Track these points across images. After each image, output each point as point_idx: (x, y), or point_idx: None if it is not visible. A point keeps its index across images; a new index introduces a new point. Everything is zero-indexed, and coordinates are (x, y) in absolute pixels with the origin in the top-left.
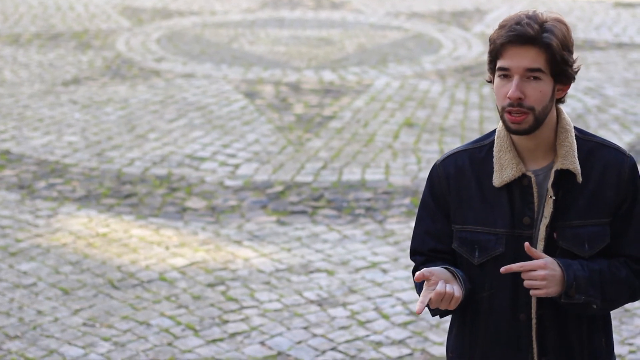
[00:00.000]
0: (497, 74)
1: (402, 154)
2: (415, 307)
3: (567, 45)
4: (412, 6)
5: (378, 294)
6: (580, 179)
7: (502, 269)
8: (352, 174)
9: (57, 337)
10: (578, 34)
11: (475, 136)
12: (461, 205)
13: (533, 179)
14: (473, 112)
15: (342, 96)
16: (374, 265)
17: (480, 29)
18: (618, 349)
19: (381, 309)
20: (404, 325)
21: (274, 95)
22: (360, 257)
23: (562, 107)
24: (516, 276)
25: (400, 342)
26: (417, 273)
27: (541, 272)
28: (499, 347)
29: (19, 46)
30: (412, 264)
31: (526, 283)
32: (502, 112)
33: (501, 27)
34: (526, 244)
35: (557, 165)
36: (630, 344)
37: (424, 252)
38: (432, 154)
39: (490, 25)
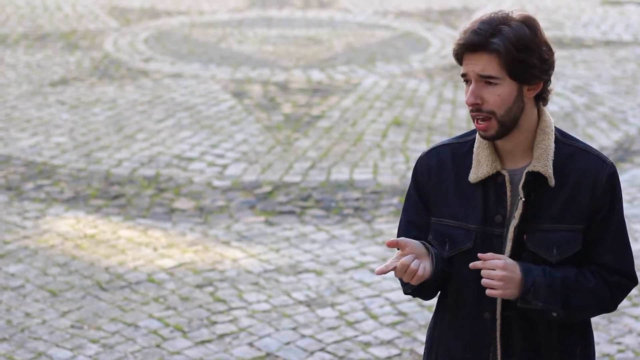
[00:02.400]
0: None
1: (391, 153)
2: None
3: (526, 46)
4: (400, 5)
5: (367, 294)
6: (552, 182)
7: (471, 265)
8: (341, 174)
9: (45, 339)
10: (565, 32)
11: None
12: (439, 198)
13: (507, 178)
14: (461, 111)
15: (330, 95)
16: (362, 265)
17: None
18: (607, 348)
19: (370, 309)
20: (393, 325)
21: (262, 94)
22: (349, 257)
23: (549, 105)
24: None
25: (389, 342)
26: (392, 239)
27: (499, 272)
28: (461, 343)
29: (6, 47)
30: None
31: (483, 282)
32: (471, 117)
33: (461, 32)
34: (480, 256)
35: (530, 167)
36: (619, 343)
37: None
38: (421, 153)
39: None
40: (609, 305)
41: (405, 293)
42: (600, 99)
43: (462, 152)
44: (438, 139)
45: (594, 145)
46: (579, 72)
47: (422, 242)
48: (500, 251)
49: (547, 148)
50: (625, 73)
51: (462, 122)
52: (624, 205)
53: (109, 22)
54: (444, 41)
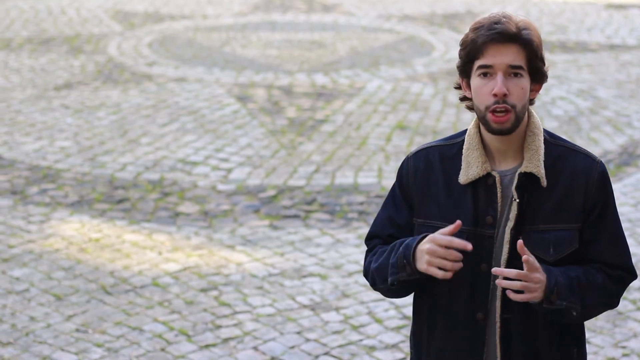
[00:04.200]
0: (477, 72)
1: (395, 157)
2: (465, 244)
3: (541, 43)
4: (404, 9)
5: (371, 298)
6: (544, 183)
7: (494, 270)
8: (345, 178)
9: (49, 343)
10: (570, 36)
11: None
12: (426, 200)
13: (498, 179)
14: (465, 115)
15: (334, 99)
16: None
17: None
18: (611, 352)
19: (374, 313)
20: (397, 329)
21: (266, 98)
22: (353, 261)
23: (554, 109)
24: (474, 274)
25: (394, 346)
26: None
27: (537, 275)
28: (454, 345)
29: (10, 51)
30: None
31: (518, 284)
32: (485, 111)
33: (478, 28)
34: (519, 242)
35: (522, 168)
36: (624, 347)
37: (382, 236)
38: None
39: None
40: (615, 300)
41: (391, 284)
42: (605, 103)
43: (451, 153)
44: None
45: (599, 149)
46: (583, 76)
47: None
48: (490, 252)
49: (537, 149)
50: (629, 77)
51: (466, 125)
52: (629, 209)
53: (113, 26)
54: (447, 45)
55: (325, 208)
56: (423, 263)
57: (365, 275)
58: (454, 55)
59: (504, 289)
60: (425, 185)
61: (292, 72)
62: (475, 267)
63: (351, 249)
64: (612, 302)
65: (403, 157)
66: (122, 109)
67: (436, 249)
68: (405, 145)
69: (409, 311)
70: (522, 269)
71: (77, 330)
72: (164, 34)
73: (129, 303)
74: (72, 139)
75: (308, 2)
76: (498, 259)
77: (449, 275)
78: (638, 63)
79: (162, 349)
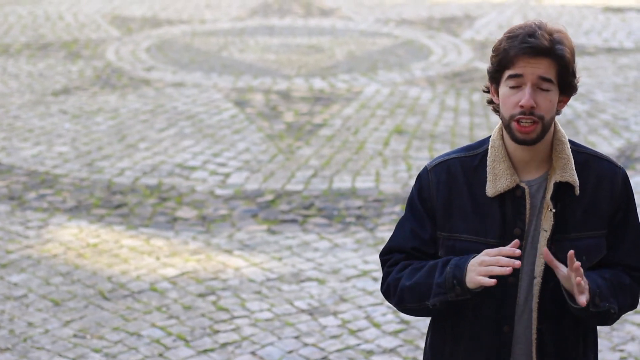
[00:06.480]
0: (506, 82)
1: (393, 161)
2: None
3: (574, 57)
4: (402, 13)
5: (369, 302)
6: (578, 191)
7: (546, 257)
8: (343, 182)
9: (47, 348)
10: None
11: (465, 143)
12: (450, 213)
13: (527, 190)
14: (463, 119)
15: (332, 104)
16: (365, 273)
17: (469, 35)
18: (609, 356)
19: (372, 318)
20: (395, 333)
21: (264, 103)
22: (351, 265)
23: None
24: (501, 286)
25: (392, 350)
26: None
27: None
28: (480, 357)
29: (8, 56)
30: None
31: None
32: (510, 120)
33: (512, 37)
34: (570, 252)
35: (557, 178)
36: (621, 350)
37: (406, 249)
38: (423, 160)
39: (479, 31)
40: (637, 301)
41: (433, 305)
42: (602, 106)
43: (473, 165)
44: (440, 147)
45: None
46: (580, 79)
47: None
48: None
49: (568, 157)
50: (627, 80)
51: (464, 129)
52: None
53: (110, 32)
54: (445, 49)
55: (323, 212)
56: (474, 276)
57: (387, 291)
58: (451, 59)
59: (539, 301)
60: (449, 198)
61: (290, 76)
62: (503, 279)
63: (349, 253)
64: (635, 303)
65: (401, 161)
66: (120, 114)
67: (485, 258)
68: (403, 149)
69: (406, 315)
70: (557, 279)
71: (75, 335)
72: (161, 39)
73: (127, 308)
74: (70, 144)
75: (306, 7)
76: (525, 270)
77: (493, 281)
78: (635, 66)
79: (160, 354)
